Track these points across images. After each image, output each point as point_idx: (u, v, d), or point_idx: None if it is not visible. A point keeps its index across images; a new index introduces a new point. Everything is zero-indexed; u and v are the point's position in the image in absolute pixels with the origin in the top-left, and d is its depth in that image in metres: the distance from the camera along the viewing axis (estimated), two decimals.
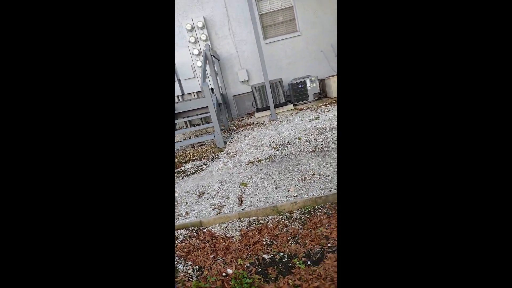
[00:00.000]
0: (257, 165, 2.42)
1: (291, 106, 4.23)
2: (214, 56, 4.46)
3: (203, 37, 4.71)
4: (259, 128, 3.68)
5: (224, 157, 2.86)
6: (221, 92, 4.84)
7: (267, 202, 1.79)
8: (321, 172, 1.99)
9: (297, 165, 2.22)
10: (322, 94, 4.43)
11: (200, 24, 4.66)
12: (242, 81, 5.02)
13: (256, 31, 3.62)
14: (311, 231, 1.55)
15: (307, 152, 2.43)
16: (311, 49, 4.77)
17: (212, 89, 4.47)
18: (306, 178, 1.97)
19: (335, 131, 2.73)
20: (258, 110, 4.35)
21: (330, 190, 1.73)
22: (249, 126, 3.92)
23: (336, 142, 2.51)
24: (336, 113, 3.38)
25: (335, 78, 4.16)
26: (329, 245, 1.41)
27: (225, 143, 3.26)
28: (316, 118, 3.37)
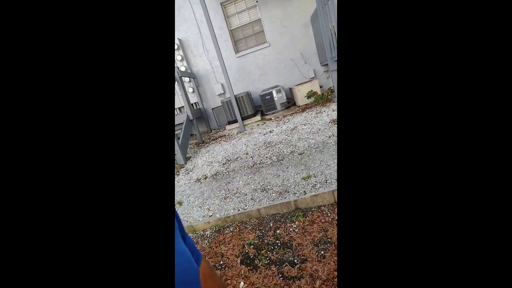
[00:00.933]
0: (201, 183, 2.61)
1: (258, 117, 4.37)
2: (189, 75, 4.75)
3: (179, 57, 5.02)
4: (226, 141, 3.86)
5: (182, 174, 3.08)
6: (199, 107, 5.12)
7: (187, 221, 1.98)
8: (242, 191, 2.13)
9: (229, 182, 2.37)
10: (291, 103, 4.51)
11: (176, 47, 4.97)
12: (219, 94, 5.25)
13: (217, 47, 3.82)
14: (214, 248, 1.72)
15: (245, 168, 2.57)
16: (281, 58, 4.87)
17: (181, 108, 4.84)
18: (228, 196, 2.13)
19: (280, 146, 2.85)
20: (229, 123, 4.54)
21: (239, 210, 1.88)
22: (220, 139, 4.12)
23: (273, 157, 2.62)
24: (291, 125, 3.50)
25: (300, 87, 4.23)
26: (221, 262, 1.58)
27: (189, 158, 3.49)
28: (271, 131, 3.48)
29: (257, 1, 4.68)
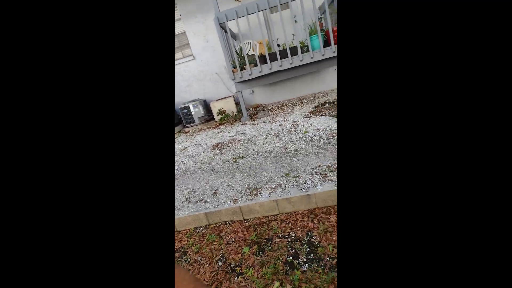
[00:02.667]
0: None
1: (178, 129, 4.55)
2: None
3: None
4: None
5: None
6: None
7: None
8: None
9: None
10: (210, 117, 4.72)
11: None
12: None
13: None
14: None
15: None
16: (206, 71, 5.03)
17: None
18: None
19: None
20: None
21: None
22: None
23: None
24: (190, 143, 3.71)
25: (216, 103, 4.45)
26: None
27: None
28: None
29: (180, 15, 4.76)
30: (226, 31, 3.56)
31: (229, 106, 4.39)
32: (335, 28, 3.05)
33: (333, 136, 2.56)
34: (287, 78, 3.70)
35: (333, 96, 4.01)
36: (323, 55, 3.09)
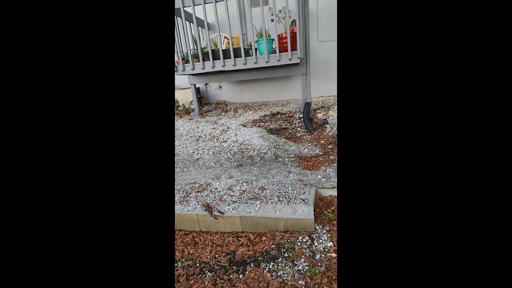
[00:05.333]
0: None
1: None
2: None
3: None
4: None
5: None
6: None
7: None
8: None
9: None
10: None
11: None
12: None
13: None
14: None
15: None
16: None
17: None
18: None
19: None
20: None
21: None
22: None
23: None
24: None
25: (176, 92, 4.32)
26: None
27: None
28: None
29: None
30: (181, 17, 3.37)
31: (187, 98, 4.26)
32: (285, 35, 2.79)
33: (242, 152, 2.39)
34: (247, 79, 3.50)
35: (292, 107, 3.76)
36: (266, 61, 2.86)
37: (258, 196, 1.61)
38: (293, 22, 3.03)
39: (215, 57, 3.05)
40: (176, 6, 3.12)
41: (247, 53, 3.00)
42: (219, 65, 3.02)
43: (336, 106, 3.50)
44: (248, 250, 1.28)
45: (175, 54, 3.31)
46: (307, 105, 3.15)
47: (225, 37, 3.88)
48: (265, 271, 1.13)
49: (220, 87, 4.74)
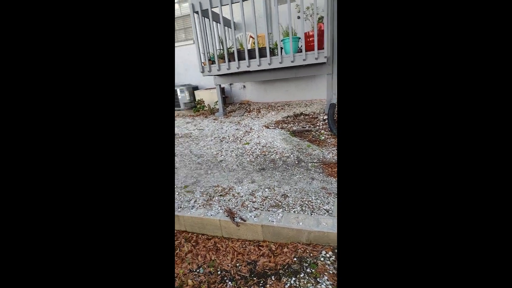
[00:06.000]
0: None
1: None
2: None
3: None
4: None
5: None
6: None
7: None
8: None
9: None
10: (194, 103, 4.72)
11: None
12: None
13: None
14: None
15: None
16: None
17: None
18: None
19: None
20: None
21: None
22: None
23: None
24: None
25: (200, 92, 4.41)
26: None
27: None
28: None
29: None
30: (209, 18, 3.40)
31: (213, 98, 4.33)
32: (311, 33, 2.67)
33: (264, 155, 2.36)
34: (271, 79, 3.44)
35: (316, 108, 3.63)
36: (292, 61, 2.77)
37: (280, 204, 1.58)
38: (321, 19, 2.89)
39: (241, 57, 3.05)
40: (203, 8, 3.16)
41: (272, 53, 2.95)
42: (244, 66, 3.02)
43: None
44: (269, 262, 1.26)
45: (202, 55, 3.37)
46: (332, 106, 3.02)
47: (250, 37, 3.85)
48: (286, 286, 1.12)
49: (244, 86, 4.75)
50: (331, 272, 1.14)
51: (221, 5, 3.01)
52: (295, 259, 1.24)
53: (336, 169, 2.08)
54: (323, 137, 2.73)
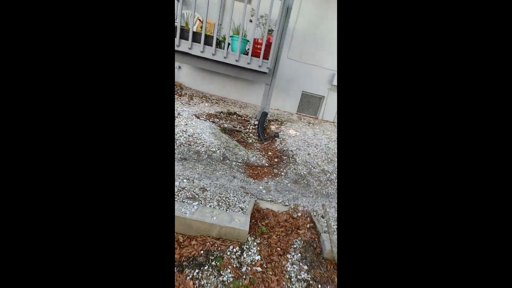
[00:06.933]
0: None
1: None
2: None
3: None
4: None
5: None
6: None
7: None
8: None
9: None
10: None
11: None
12: None
13: None
14: None
15: None
16: None
17: None
18: None
19: None
20: None
21: None
22: None
23: None
24: None
25: None
26: None
27: None
28: None
29: None
30: None
31: None
32: (260, 41, 2.84)
33: (189, 144, 2.28)
34: (212, 70, 3.35)
35: (249, 112, 3.82)
36: (236, 60, 2.83)
37: (197, 196, 1.54)
38: (271, 31, 3.08)
39: (183, 36, 2.81)
40: None
41: (218, 45, 2.88)
42: (185, 46, 2.79)
43: (288, 123, 3.73)
44: (175, 253, 1.20)
45: None
46: (264, 114, 3.24)
47: (198, 19, 3.63)
48: (188, 278, 1.09)
49: (180, 67, 4.39)
50: (235, 265, 1.20)
51: None
52: (202, 252, 1.23)
53: (256, 172, 2.23)
54: (251, 140, 2.87)
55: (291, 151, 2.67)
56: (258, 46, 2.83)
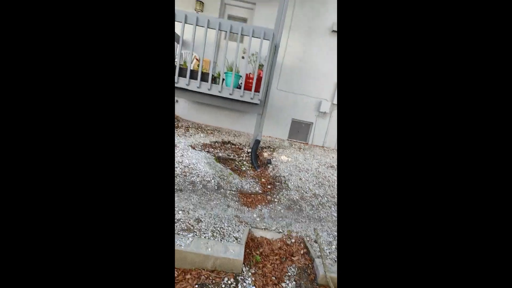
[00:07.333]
0: None
1: None
2: None
3: None
4: None
5: None
6: None
7: None
8: None
9: None
10: None
11: None
12: None
13: None
14: None
15: None
16: None
17: None
18: None
19: None
20: None
21: None
22: None
23: None
24: None
25: None
26: None
27: None
28: None
29: None
30: None
31: None
32: (252, 75, 3.08)
33: (184, 175, 2.34)
34: (207, 103, 3.55)
35: (242, 140, 3.95)
36: (230, 94, 3.04)
37: (192, 228, 1.56)
38: (261, 66, 3.36)
39: (182, 74, 3.04)
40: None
41: (214, 81, 3.10)
42: (183, 83, 3.00)
43: (280, 149, 3.86)
44: None
45: None
46: (257, 142, 3.37)
47: (195, 58, 3.92)
48: None
49: (177, 101, 4.61)
50: None
51: (175, 20, 3.02)
52: (196, 286, 1.23)
53: (250, 199, 2.27)
54: (245, 168, 2.94)
55: (284, 177, 2.74)
56: (250, 81, 3.06)
